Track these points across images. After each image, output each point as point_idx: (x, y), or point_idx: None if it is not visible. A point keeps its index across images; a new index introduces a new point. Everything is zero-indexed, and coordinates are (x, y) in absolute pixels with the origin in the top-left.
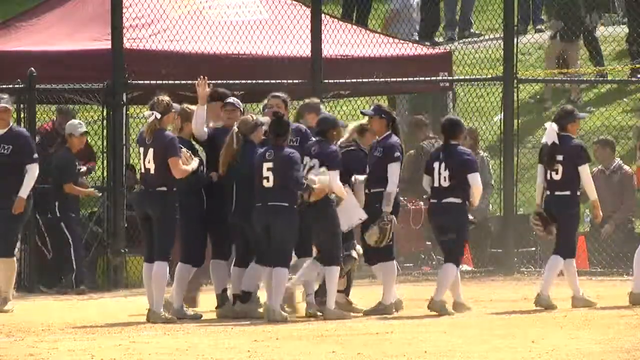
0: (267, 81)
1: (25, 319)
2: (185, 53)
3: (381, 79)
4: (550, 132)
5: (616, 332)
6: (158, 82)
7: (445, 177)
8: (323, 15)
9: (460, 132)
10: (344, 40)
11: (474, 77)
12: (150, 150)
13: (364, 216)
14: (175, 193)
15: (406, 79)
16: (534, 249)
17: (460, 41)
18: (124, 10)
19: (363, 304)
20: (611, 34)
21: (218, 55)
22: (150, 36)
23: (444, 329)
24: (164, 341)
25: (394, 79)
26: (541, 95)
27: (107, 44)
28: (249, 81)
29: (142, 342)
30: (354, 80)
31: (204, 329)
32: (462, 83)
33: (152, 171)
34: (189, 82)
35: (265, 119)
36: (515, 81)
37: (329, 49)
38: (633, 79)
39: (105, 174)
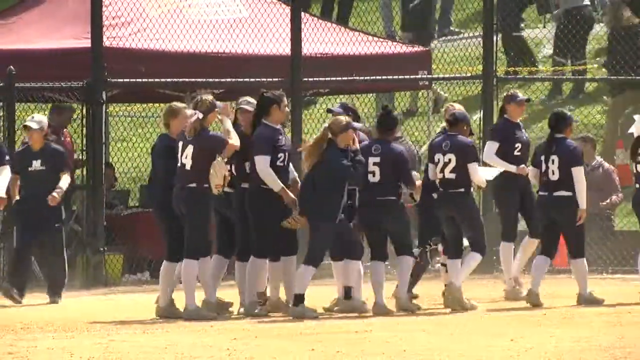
0: (247, 79)
1: (3, 318)
2: (165, 51)
3: (360, 78)
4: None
5: (595, 330)
6: (137, 80)
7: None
8: (303, 13)
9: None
10: (323, 38)
11: (453, 75)
12: (190, 147)
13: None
14: (207, 190)
15: (385, 77)
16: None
17: (440, 39)
18: (104, 8)
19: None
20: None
21: (198, 54)
22: (129, 35)
23: (423, 327)
24: (143, 340)
25: (373, 77)
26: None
27: (86, 43)
28: (228, 79)
29: (121, 340)
30: (333, 78)
31: (183, 328)
32: (441, 81)
33: (187, 167)
34: (168, 80)
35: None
36: (495, 79)
37: (308, 48)
38: (612, 77)
39: (84, 172)
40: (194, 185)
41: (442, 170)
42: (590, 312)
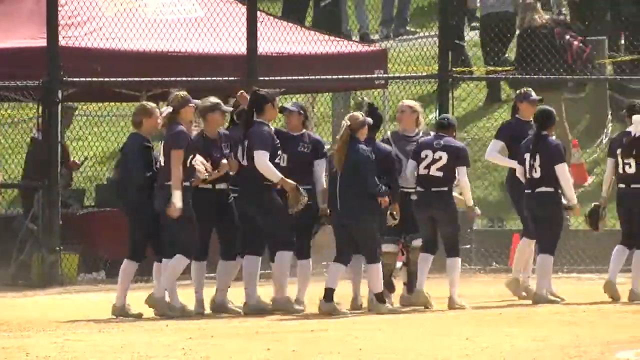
0: (203, 78)
1: None
2: (121, 51)
3: (316, 77)
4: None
5: (550, 329)
6: (93, 79)
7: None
8: (259, 12)
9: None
10: (280, 37)
11: (409, 74)
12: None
13: None
14: (187, 189)
15: (342, 76)
16: (468, 246)
17: (397, 39)
18: (60, 8)
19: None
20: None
21: (154, 53)
22: (85, 34)
23: (379, 326)
24: (100, 339)
25: (330, 77)
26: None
27: (42, 42)
28: (184, 78)
29: (77, 340)
30: (290, 77)
31: (139, 327)
32: (397, 81)
33: (161, 164)
34: (124, 79)
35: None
36: (450, 79)
37: (264, 47)
38: (576, 76)
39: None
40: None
41: (428, 167)
42: (545, 311)
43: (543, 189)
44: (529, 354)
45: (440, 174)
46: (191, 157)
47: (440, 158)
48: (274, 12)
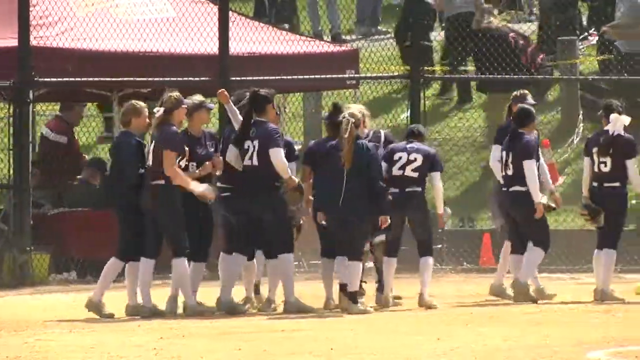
0: (175, 79)
1: None
2: (92, 51)
3: (288, 77)
4: (617, 123)
5: (521, 329)
6: (65, 79)
7: None
8: (231, 12)
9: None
10: (251, 37)
11: (380, 74)
12: (153, 144)
13: None
14: (176, 187)
15: (313, 76)
16: (439, 246)
17: (368, 39)
18: (31, 8)
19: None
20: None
21: (125, 53)
22: (57, 34)
23: (350, 326)
24: (71, 339)
25: (301, 77)
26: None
27: (14, 42)
28: (156, 79)
29: (48, 340)
30: (262, 77)
31: (110, 327)
32: (369, 80)
33: (151, 164)
34: (96, 79)
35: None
36: (422, 79)
37: (236, 47)
38: (547, 76)
39: (11, 171)
40: (161, 182)
41: (402, 167)
42: (517, 311)
43: (517, 187)
44: (500, 353)
45: (415, 174)
46: (179, 157)
47: (415, 159)
48: (245, 12)
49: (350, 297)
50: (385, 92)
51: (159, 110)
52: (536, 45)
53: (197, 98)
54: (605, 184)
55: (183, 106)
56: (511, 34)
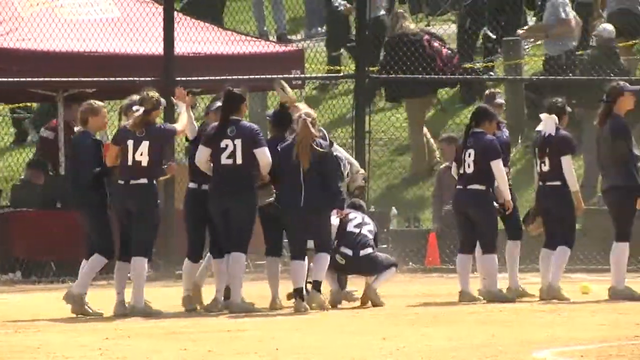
0: (120, 79)
1: None
2: (38, 51)
3: (233, 77)
4: (548, 122)
5: (466, 329)
6: (10, 79)
7: None
8: (175, 13)
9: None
10: (196, 37)
11: (326, 74)
12: (144, 143)
13: None
14: (155, 186)
15: (258, 76)
16: (385, 246)
17: (313, 39)
18: None
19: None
20: (446, 32)
21: (71, 53)
22: (1, 35)
23: (296, 326)
24: (16, 340)
25: (246, 77)
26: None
27: None
28: (101, 79)
29: None
30: (206, 78)
31: (55, 327)
32: (314, 81)
33: (143, 163)
34: (41, 79)
35: None
36: (367, 79)
37: (181, 47)
38: (485, 76)
39: None
40: (146, 181)
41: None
42: (462, 310)
43: (475, 186)
44: (445, 353)
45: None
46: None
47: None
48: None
49: (315, 286)
50: (330, 93)
51: (138, 110)
52: (453, 47)
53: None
54: (548, 183)
55: (161, 107)
56: (425, 37)
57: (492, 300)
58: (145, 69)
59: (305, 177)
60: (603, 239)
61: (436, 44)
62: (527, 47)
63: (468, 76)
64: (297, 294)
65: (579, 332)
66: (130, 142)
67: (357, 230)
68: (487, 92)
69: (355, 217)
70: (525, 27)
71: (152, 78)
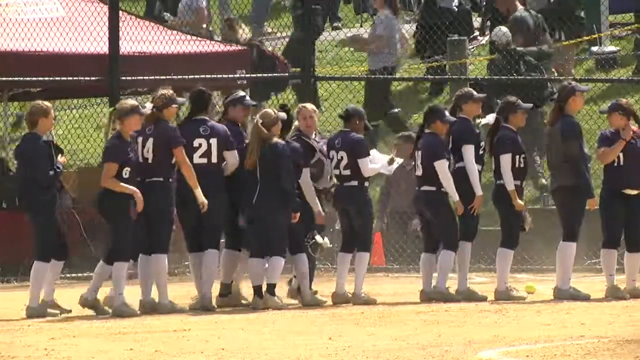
0: (65, 78)
1: None
2: None
3: (178, 76)
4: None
5: (412, 329)
6: None
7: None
8: (121, 12)
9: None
10: (142, 37)
11: (272, 74)
12: (150, 140)
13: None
14: (172, 184)
15: (204, 75)
16: (331, 245)
17: (260, 39)
18: None
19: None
20: (408, 31)
21: (15, 53)
22: None
23: (241, 325)
24: None
25: (192, 76)
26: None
27: None
28: (46, 78)
29: None
30: (152, 77)
31: (1, 327)
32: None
33: (149, 161)
34: None
35: (282, 115)
36: (313, 79)
37: (126, 46)
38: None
39: None
40: (160, 179)
41: (337, 167)
42: (408, 310)
43: (426, 187)
44: (391, 353)
45: (348, 172)
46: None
47: (342, 158)
48: (136, 11)
49: (269, 289)
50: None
51: (146, 106)
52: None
53: (130, 103)
54: (498, 182)
55: (174, 105)
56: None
57: (440, 300)
58: (91, 68)
59: (260, 177)
60: (549, 239)
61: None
62: (471, 47)
63: (416, 76)
64: (255, 291)
65: (525, 331)
66: (140, 140)
67: (337, 172)
68: (462, 91)
69: (333, 155)
70: (350, 36)
71: (97, 77)
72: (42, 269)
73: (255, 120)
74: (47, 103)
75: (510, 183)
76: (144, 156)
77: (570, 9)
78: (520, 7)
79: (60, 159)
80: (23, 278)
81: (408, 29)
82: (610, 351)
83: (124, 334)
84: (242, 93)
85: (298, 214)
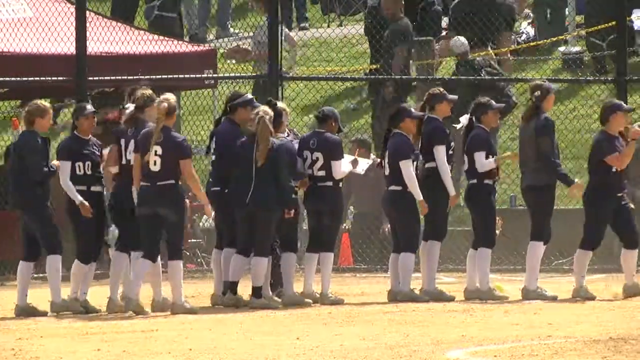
0: (32, 78)
1: None
2: None
3: (145, 76)
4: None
5: (380, 329)
6: None
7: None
8: (88, 12)
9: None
10: (109, 37)
11: (239, 74)
12: (131, 142)
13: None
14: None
15: (171, 75)
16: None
17: (227, 39)
18: None
19: None
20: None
21: None
22: None
23: (209, 326)
24: None
25: (159, 76)
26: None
27: None
28: (13, 78)
29: None
30: (119, 77)
31: None
32: (227, 80)
33: (132, 162)
34: None
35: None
36: (280, 79)
37: (93, 46)
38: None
39: None
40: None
41: (311, 167)
42: (375, 310)
43: (393, 187)
44: (358, 353)
45: (323, 172)
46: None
47: (317, 159)
48: (103, 11)
49: (254, 292)
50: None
51: (129, 107)
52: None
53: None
54: (471, 181)
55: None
56: None
57: (406, 301)
58: (58, 69)
59: (256, 174)
60: (517, 239)
61: None
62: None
63: (380, 76)
64: (229, 288)
65: (493, 331)
66: (122, 141)
67: (310, 172)
68: (435, 92)
69: (307, 155)
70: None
71: (65, 78)
72: (55, 263)
73: (261, 117)
74: (45, 103)
75: (487, 165)
76: (126, 158)
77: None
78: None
79: (55, 162)
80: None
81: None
82: (578, 351)
83: (91, 334)
84: (250, 95)
85: (293, 211)
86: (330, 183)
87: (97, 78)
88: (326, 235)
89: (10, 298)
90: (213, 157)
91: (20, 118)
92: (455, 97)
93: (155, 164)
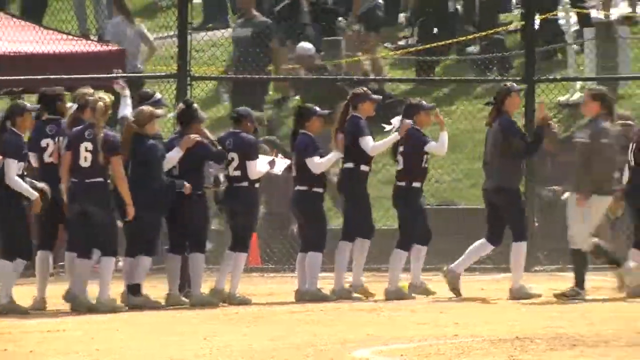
0: None
1: None
2: None
3: (54, 76)
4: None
5: (288, 328)
6: None
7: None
8: None
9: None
10: (18, 37)
11: (147, 74)
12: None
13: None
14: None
15: (80, 75)
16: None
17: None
18: None
19: None
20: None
21: None
22: None
23: (116, 326)
24: None
25: (68, 76)
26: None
27: None
28: None
29: None
30: (28, 77)
31: None
32: (135, 80)
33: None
34: None
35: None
36: (189, 78)
37: (2, 46)
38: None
39: None
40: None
41: (227, 167)
42: (283, 310)
43: (298, 187)
44: (266, 353)
45: (238, 172)
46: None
47: (233, 159)
48: (12, 11)
49: (129, 289)
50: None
51: (71, 107)
52: None
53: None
54: (398, 183)
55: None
56: None
57: (314, 301)
58: None
59: (131, 172)
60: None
61: None
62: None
63: (304, 77)
64: (130, 290)
65: (399, 331)
66: (65, 140)
67: (227, 172)
68: (357, 90)
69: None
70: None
71: None
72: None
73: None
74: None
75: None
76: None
77: None
78: (255, 13)
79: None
80: None
81: None
82: (484, 350)
83: None
84: (159, 94)
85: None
86: (245, 183)
87: (5, 77)
88: (239, 236)
89: None
90: None
91: None
92: (379, 97)
93: (85, 160)
